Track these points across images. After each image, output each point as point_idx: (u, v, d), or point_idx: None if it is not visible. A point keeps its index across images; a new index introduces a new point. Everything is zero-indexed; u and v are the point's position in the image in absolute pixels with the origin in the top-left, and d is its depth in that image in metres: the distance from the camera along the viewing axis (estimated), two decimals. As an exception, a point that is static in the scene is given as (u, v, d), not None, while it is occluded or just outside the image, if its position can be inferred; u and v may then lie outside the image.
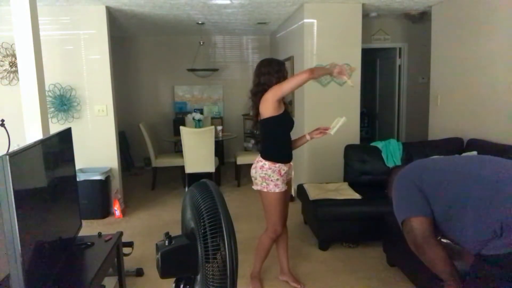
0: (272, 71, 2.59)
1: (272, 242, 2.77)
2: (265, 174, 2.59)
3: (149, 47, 7.06)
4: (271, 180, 2.59)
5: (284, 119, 2.63)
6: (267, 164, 2.60)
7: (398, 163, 3.94)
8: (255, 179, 2.66)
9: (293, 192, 2.81)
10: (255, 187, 2.69)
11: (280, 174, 2.61)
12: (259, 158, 2.67)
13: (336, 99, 4.64)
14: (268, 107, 2.55)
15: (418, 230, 1.59)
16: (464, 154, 3.62)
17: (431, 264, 1.62)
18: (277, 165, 2.60)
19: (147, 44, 7.04)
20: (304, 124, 4.59)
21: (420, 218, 1.60)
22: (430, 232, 1.59)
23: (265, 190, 2.61)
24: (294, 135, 2.79)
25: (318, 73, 2.54)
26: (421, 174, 1.72)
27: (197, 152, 5.17)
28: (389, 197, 1.93)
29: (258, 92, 2.63)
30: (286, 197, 2.75)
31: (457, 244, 1.69)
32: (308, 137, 2.71)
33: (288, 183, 2.77)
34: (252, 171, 2.68)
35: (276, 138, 2.66)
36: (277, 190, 2.60)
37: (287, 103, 2.76)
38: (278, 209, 2.64)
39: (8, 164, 1.53)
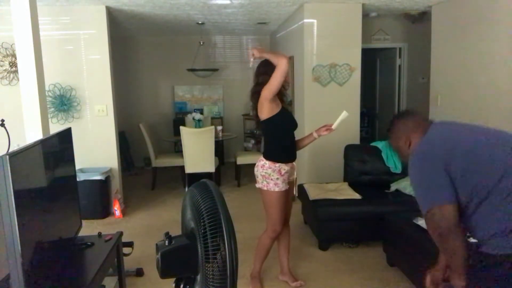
0: (269, 70, 2.60)
1: (272, 242, 2.78)
2: (265, 173, 2.63)
3: (149, 47, 7.06)
4: (271, 179, 2.61)
5: (283, 119, 2.63)
6: (267, 163, 2.63)
7: (398, 163, 3.94)
8: (257, 177, 2.70)
9: (295, 192, 2.80)
10: (257, 185, 2.73)
11: (280, 173, 2.62)
12: (261, 157, 2.71)
13: (336, 99, 4.64)
14: (264, 110, 2.58)
15: (447, 219, 1.49)
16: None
17: (450, 254, 1.56)
18: (277, 164, 2.61)
19: (147, 44, 7.04)
20: (304, 124, 4.59)
21: (450, 206, 1.50)
22: (456, 221, 1.50)
23: (265, 188, 2.65)
24: (295, 135, 2.80)
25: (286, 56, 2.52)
26: (451, 153, 1.55)
27: (197, 152, 5.17)
28: (394, 149, 1.82)
29: (255, 92, 2.66)
30: (287, 197, 2.75)
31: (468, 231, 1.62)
32: (315, 134, 2.71)
33: (291, 183, 2.77)
34: (255, 170, 2.72)
35: (276, 138, 2.67)
36: (276, 189, 2.61)
37: (285, 102, 2.74)
38: (278, 209, 2.65)
39: (8, 164, 1.53)
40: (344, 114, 2.58)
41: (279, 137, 2.67)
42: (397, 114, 1.89)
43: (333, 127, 2.63)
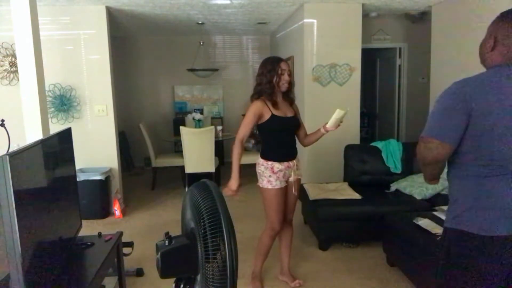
0: (265, 70, 2.63)
1: (271, 241, 2.78)
2: (260, 170, 2.71)
3: (149, 47, 7.06)
4: (264, 176, 2.67)
5: (274, 123, 2.63)
6: (261, 161, 2.71)
7: (398, 163, 3.94)
8: (257, 175, 2.74)
9: (294, 191, 2.79)
10: (258, 184, 2.77)
11: (273, 171, 2.64)
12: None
13: (336, 99, 4.64)
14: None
15: (438, 153, 1.45)
16: None
17: (424, 171, 1.60)
18: (269, 162, 2.66)
19: (147, 44, 7.04)
20: (304, 124, 4.58)
21: (448, 146, 1.44)
22: (444, 159, 1.49)
23: (260, 185, 2.72)
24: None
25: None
26: (482, 103, 1.39)
27: (197, 152, 5.17)
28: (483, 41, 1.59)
29: (253, 94, 2.71)
30: (287, 196, 2.76)
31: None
32: (323, 130, 2.70)
33: (294, 183, 2.75)
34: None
35: (268, 139, 2.72)
36: (269, 187, 2.65)
37: (281, 104, 2.71)
38: (274, 206, 2.67)
39: (8, 164, 1.53)
40: (338, 112, 2.51)
41: (271, 138, 2.71)
42: None
43: (327, 126, 2.59)
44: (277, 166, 2.65)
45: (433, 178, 1.61)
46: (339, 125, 2.61)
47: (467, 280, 1.46)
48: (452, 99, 1.46)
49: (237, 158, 2.66)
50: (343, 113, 2.52)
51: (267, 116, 2.62)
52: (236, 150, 2.66)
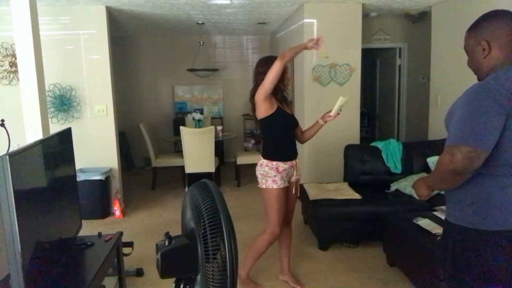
0: (268, 70, 2.59)
1: (268, 245, 2.72)
2: (263, 171, 2.65)
3: (149, 47, 7.06)
4: (269, 177, 2.62)
5: (278, 119, 2.62)
6: (265, 162, 2.66)
7: (398, 163, 3.94)
8: (257, 177, 2.71)
9: (294, 191, 2.78)
10: (258, 186, 2.73)
11: (278, 171, 2.62)
12: (260, 157, 2.72)
13: (336, 99, 4.61)
14: (259, 109, 2.59)
15: (472, 162, 1.33)
16: None
17: (440, 184, 1.51)
18: (274, 163, 2.63)
19: (147, 44, 7.04)
20: (304, 124, 4.57)
21: (483, 153, 1.33)
22: (475, 168, 1.35)
23: (263, 186, 2.66)
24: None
25: (289, 55, 2.44)
26: None
27: (197, 152, 5.17)
28: (465, 46, 1.56)
29: (255, 94, 2.65)
30: (288, 197, 2.75)
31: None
32: (321, 121, 2.71)
33: (294, 183, 2.75)
34: (256, 170, 2.73)
35: (272, 138, 2.68)
36: (275, 187, 2.61)
37: (282, 102, 2.70)
38: (276, 208, 2.64)
39: (8, 164, 1.53)
40: (341, 99, 2.56)
41: (275, 136, 2.68)
42: (503, 12, 1.46)
43: (331, 113, 2.63)
44: (282, 165, 2.63)
45: (450, 188, 1.50)
46: (339, 113, 2.65)
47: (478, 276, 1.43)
48: (483, 103, 1.34)
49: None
50: (346, 99, 2.57)
51: (271, 109, 2.58)
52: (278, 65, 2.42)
